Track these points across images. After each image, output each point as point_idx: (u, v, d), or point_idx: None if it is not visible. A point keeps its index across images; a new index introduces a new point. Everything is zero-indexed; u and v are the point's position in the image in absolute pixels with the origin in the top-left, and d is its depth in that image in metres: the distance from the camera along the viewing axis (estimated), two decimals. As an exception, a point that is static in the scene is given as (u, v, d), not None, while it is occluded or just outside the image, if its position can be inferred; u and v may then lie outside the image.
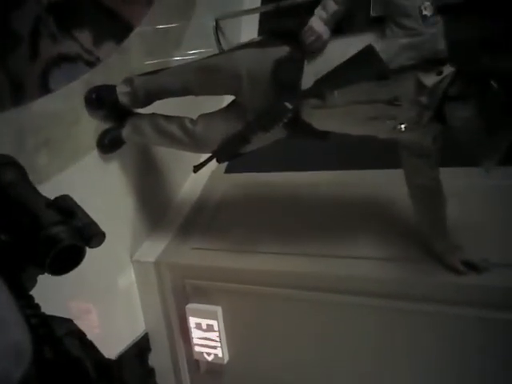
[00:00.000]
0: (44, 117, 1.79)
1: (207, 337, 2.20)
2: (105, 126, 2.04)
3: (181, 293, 2.25)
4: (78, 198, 0.71)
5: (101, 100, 1.97)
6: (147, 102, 1.97)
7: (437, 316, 1.74)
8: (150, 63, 2.28)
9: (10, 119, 1.65)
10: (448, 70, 1.41)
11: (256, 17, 3.06)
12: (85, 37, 1.93)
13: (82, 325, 0.66)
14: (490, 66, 1.38)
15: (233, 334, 2.18)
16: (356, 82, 1.44)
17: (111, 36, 2.07)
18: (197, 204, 2.52)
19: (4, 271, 0.54)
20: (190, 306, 2.21)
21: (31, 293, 0.63)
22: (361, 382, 1.96)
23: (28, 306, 0.58)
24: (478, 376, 1.72)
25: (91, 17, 1.97)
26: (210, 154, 1.79)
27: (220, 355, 2.19)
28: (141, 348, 2.35)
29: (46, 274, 0.64)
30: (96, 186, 1.97)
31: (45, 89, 1.79)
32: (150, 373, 2.43)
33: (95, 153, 2.03)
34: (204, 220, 2.39)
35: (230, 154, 1.79)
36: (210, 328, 2.17)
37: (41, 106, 1.77)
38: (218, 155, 1.78)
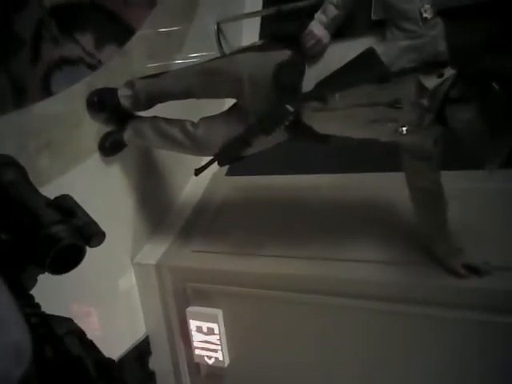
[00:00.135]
0: (46, 119, 1.79)
1: (208, 340, 2.19)
2: (106, 128, 2.05)
3: (181, 296, 2.25)
4: (80, 201, 0.72)
5: (102, 103, 1.97)
6: (149, 105, 1.98)
7: (437, 319, 1.73)
8: (152, 66, 2.28)
9: (12, 122, 1.66)
10: (449, 72, 1.41)
11: (257, 20, 3.07)
12: (87, 40, 1.94)
13: (82, 327, 0.66)
14: (491, 68, 1.39)
15: (233, 337, 2.17)
16: (357, 84, 1.44)
17: (113, 39, 2.08)
18: (198, 207, 2.52)
19: (4, 270, 0.54)
20: (190, 309, 2.21)
21: (31, 292, 0.63)
22: (361, 385, 1.95)
23: (28, 305, 0.58)
24: (479, 379, 1.71)
25: (93, 20, 1.98)
26: (211, 157, 1.79)
27: (221, 358, 2.19)
28: (141, 351, 2.35)
29: (46, 273, 0.64)
30: (97, 188, 1.97)
31: (47, 91, 1.79)
32: (150, 376, 2.42)
33: (97, 155, 2.03)
34: (205, 223, 2.39)
35: (232, 157, 1.79)
36: (210, 331, 2.17)
37: (42, 108, 1.77)
38: (220, 158, 1.78)
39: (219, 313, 2.15)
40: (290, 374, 2.08)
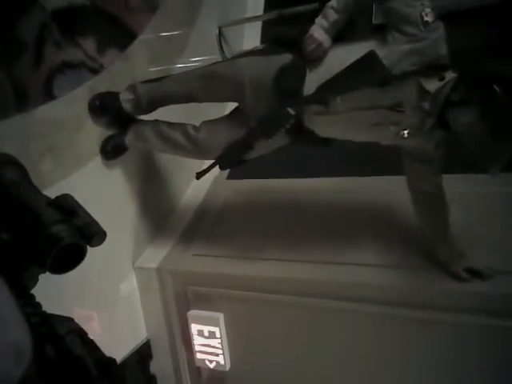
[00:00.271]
0: (48, 123, 1.80)
1: (209, 344, 2.19)
2: (108, 132, 2.05)
3: (183, 299, 2.24)
4: (81, 203, 0.71)
5: (104, 107, 1.98)
6: (150, 108, 1.98)
7: (439, 323, 1.73)
8: (154, 70, 2.29)
9: (15, 125, 1.66)
10: (450, 75, 1.42)
11: (258, 24, 3.09)
12: (89, 44, 1.95)
13: (83, 330, 0.65)
14: (492, 71, 1.39)
15: (235, 341, 2.17)
16: (358, 87, 1.45)
17: (115, 43, 2.09)
18: (199, 210, 2.52)
19: (5, 270, 0.54)
20: (191, 313, 2.21)
21: (32, 292, 0.63)
22: (363, 389, 1.95)
23: (29, 305, 0.58)
24: (480, 384, 1.71)
25: (95, 24, 1.99)
26: (212, 161, 1.80)
27: (222, 362, 2.19)
28: (142, 355, 2.34)
29: (47, 275, 0.64)
30: (99, 192, 1.98)
31: (49, 95, 1.80)
32: (151, 380, 2.42)
33: (98, 159, 2.04)
34: (206, 226, 2.39)
35: (233, 160, 1.79)
36: (211, 335, 2.16)
37: (45, 112, 1.78)
38: (221, 162, 1.79)
39: (220, 316, 2.14)
40: (291, 378, 2.07)
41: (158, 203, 2.43)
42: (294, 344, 2.04)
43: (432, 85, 1.42)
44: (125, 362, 2.19)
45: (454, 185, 1.73)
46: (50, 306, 0.65)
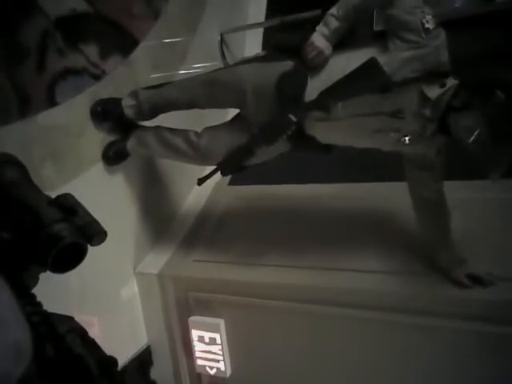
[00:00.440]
0: (50, 129, 1.81)
1: (210, 350, 2.18)
2: (110, 138, 2.06)
3: (184, 305, 2.24)
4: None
5: (106, 113, 1.98)
6: (152, 115, 1.99)
7: (440, 330, 1.72)
8: (156, 77, 2.30)
9: (17, 131, 1.67)
10: (451, 82, 1.42)
11: (260, 31, 3.10)
12: (91, 50, 1.96)
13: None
14: (494, 77, 1.39)
15: (235, 347, 2.16)
16: (359, 94, 1.45)
17: (117, 50, 2.10)
18: (200, 216, 2.52)
19: (6, 269, 0.54)
20: (192, 319, 2.20)
21: (33, 292, 0.63)
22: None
23: (29, 304, 0.58)
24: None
25: (97, 31, 2.00)
26: (214, 167, 1.80)
27: (222, 369, 2.18)
28: (143, 361, 2.34)
29: (47, 278, 0.64)
30: (100, 197, 1.98)
31: (51, 101, 1.81)
32: (151, 386, 2.41)
33: (100, 165, 2.04)
34: (207, 232, 2.39)
35: (234, 166, 1.79)
36: (212, 341, 2.16)
37: (47, 118, 1.79)
38: (223, 168, 1.79)
39: (221, 322, 2.14)
40: (292, 385, 2.07)
41: (159, 209, 2.44)
42: (295, 350, 2.03)
43: (433, 91, 1.42)
44: (125, 367, 2.18)
45: (455, 191, 1.73)
46: (50, 310, 0.65)
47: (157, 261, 2.31)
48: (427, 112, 1.45)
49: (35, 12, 1.73)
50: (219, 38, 2.84)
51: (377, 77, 1.43)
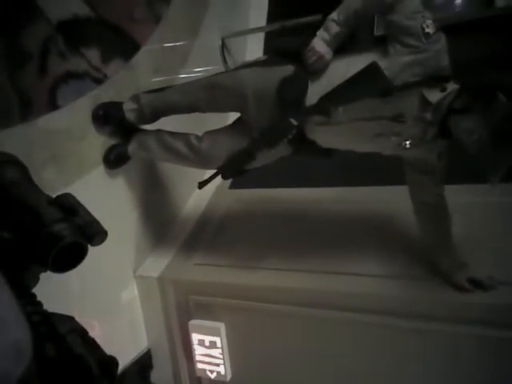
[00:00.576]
0: (51, 132, 1.81)
1: (210, 354, 2.18)
2: (111, 141, 2.06)
3: (184, 309, 2.24)
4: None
5: (108, 116, 1.99)
6: (153, 118, 1.99)
7: (440, 334, 1.72)
8: (157, 80, 2.31)
9: (18, 134, 1.67)
10: (452, 86, 1.42)
11: (261, 35, 3.12)
12: (93, 54, 1.97)
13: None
14: (495, 81, 1.39)
15: (236, 351, 2.16)
16: (360, 98, 1.46)
17: (119, 53, 2.11)
18: (201, 219, 2.52)
19: (6, 269, 0.54)
20: (192, 322, 2.20)
21: (33, 292, 0.63)
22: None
23: (29, 304, 0.58)
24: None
25: (99, 35, 2.01)
26: (215, 171, 1.80)
27: (223, 373, 2.17)
28: (143, 364, 2.33)
29: (48, 271, 0.64)
30: (101, 200, 1.97)
31: (53, 105, 1.81)
32: (151, 390, 2.40)
33: (101, 168, 2.05)
34: (208, 236, 2.39)
35: (235, 170, 1.80)
36: (212, 345, 2.15)
37: (48, 121, 1.79)
38: (223, 171, 1.79)
39: (222, 326, 2.14)
40: (293, 389, 2.06)
41: (160, 212, 2.44)
42: (296, 354, 2.03)
43: (434, 96, 1.43)
44: (125, 371, 2.18)
45: (456, 195, 1.73)
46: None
47: (157, 264, 2.31)
48: (428, 116, 1.45)
49: (37, 16, 1.74)
50: (220, 42, 2.85)
51: (378, 81, 1.43)
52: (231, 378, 2.19)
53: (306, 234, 2.15)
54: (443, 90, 1.42)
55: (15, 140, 1.67)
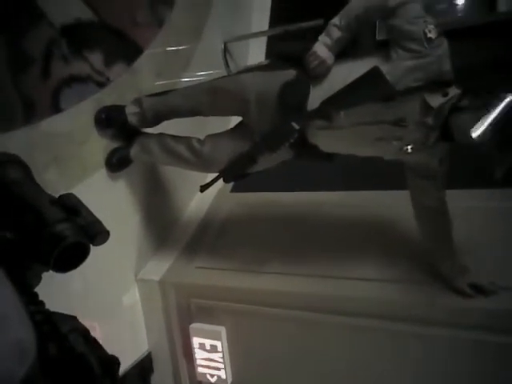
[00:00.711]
0: (54, 135, 1.82)
1: (211, 358, 2.17)
2: (113, 144, 2.07)
3: (185, 312, 2.24)
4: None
5: (110, 120, 2.00)
6: (156, 122, 2.00)
7: (441, 339, 1.71)
8: (160, 84, 2.32)
9: (21, 137, 1.68)
10: (454, 91, 1.42)
11: (263, 40, 3.13)
12: (96, 58, 1.98)
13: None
14: (496, 87, 1.39)
15: (236, 355, 2.15)
16: (362, 103, 1.46)
17: (122, 57, 2.12)
18: (203, 223, 2.52)
19: (9, 268, 0.54)
20: (193, 326, 2.20)
21: (35, 291, 0.63)
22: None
23: (32, 303, 0.58)
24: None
25: (102, 39, 2.02)
26: (216, 174, 1.81)
27: (223, 377, 2.17)
28: (143, 368, 2.33)
29: (50, 271, 0.64)
30: (103, 203, 1.97)
31: (56, 108, 1.82)
32: (152, 394, 2.40)
33: (103, 171, 2.05)
34: (209, 239, 2.39)
35: (237, 173, 1.80)
36: (213, 349, 2.15)
37: (51, 124, 1.80)
38: (225, 175, 1.80)
39: (222, 330, 2.13)
40: (294, 394, 2.05)
41: (161, 215, 2.44)
42: (297, 359, 2.02)
43: (435, 100, 1.43)
44: (126, 374, 2.17)
45: (457, 200, 1.73)
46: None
47: (158, 267, 2.32)
48: (429, 121, 1.45)
49: (40, 20, 1.75)
50: (223, 46, 2.86)
51: (379, 86, 1.43)
52: (232, 383, 2.19)
53: (307, 237, 2.15)
54: (445, 94, 1.43)
55: (18, 142, 1.67)
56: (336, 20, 1.52)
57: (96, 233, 0.67)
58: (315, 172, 2.19)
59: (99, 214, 0.77)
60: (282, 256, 2.10)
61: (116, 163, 2.07)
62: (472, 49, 2.13)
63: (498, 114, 1.30)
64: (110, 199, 2.08)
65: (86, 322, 0.65)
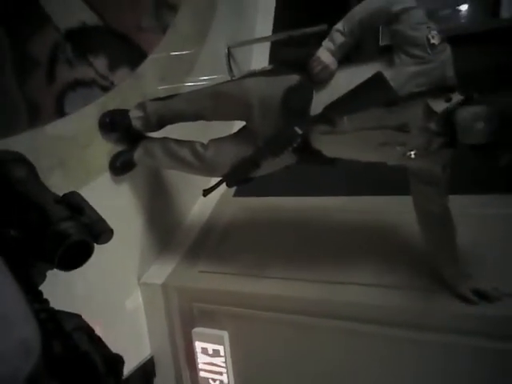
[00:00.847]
0: (59, 139, 1.83)
1: (213, 362, 2.17)
2: (117, 148, 2.08)
3: (188, 316, 2.23)
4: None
5: (114, 124, 2.01)
6: (159, 126, 2.01)
7: (439, 345, 1.70)
8: (163, 88, 2.33)
9: (26, 140, 1.69)
10: (457, 97, 1.42)
11: (267, 45, 3.14)
12: (100, 62, 1.99)
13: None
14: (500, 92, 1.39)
15: (239, 360, 2.15)
16: (365, 108, 1.46)
17: (126, 62, 2.13)
18: (205, 227, 2.53)
19: (13, 266, 0.54)
20: (196, 330, 2.19)
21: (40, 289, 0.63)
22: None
23: (37, 301, 0.59)
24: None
25: (107, 44, 2.03)
26: (219, 178, 1.81)
27: (226, 381, 2.16)
28: (146, 372, 2.32)
29: (55, 269, 0.64)
30: (107, 207, 1.98)
31: (60, 112, 1.83)
32: (154, 398, 2.39)
33: (107, 175, 2.06)
34: (212, 243, 2.39)
35: (240, 178, 1.80)
36: (216, 353, 2.15)
37: (56, 128, 1.81)
38: (228, 179, 1.80)
39: (225, 335, 2.13)
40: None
41: (164, 219, 2.45)
42: (299, 364, 2.01)
43: (439, 106, 1.43)
44: (128, 378, 2.17)
45: (461, 205, 1.73)
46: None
47: (161, 271, 2.32)
48: (433, 126, 1.45)
49: (46, 24, 1.76)
50: (226, 51, 2.87)
51: (383, 91, 1.43)
52: (234, 387, 2.18)
53: (309, 242, 2.15)
54: (448, 100, 1.43)
55: (22, 146, 1.67)
56: (339, 25, 1.53)
57: (100, 231, 0.67)
58: (318, 177, 2.19)
59: (102, 216, 0.77)
60: (285, 261, 2.09)
61: (120, 167, 2.07)
62: (475, 55, 2.13)
63: None
64: (113, 202, 2.08)
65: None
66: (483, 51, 2.28)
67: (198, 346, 2.18)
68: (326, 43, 1.54)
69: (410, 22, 1.43)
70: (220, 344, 2.13)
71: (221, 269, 2.21)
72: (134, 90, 2.15)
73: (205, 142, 1.89)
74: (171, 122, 2.00)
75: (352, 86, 1.47)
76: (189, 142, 1.93)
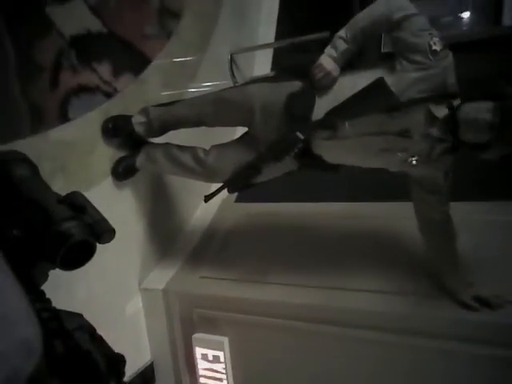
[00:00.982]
0: (62, 144, 1.84)
1: (213, 368, 2.16)
2: (120, 154, 2.09)
3: (188, 322, 2.23)
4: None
5: (117, 129, 2.02)
6: (162, 132, 2.02)
7: (440, 352, 1.69)
8: (166, 94, 2.34)
9: (29, 146, 1.69)
10: (458, 104, 1.43)
11: (269, 51, 3.15)
12: (104, 68, 2.01)
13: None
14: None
15: (239, 366, 2.14)
16: (367, 113, 1.47)
17: (129, 68, 2.15)
18: (207, 233, 2.53)
19: (16, 266, 0.54)
20: (196, 336, 2.19)
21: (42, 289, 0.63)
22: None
23: (39, 300, 0.59)
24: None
25: (111, 50, 2.05)
26: (221, 184, 1.81)
27: (225, 387, 2.15)
28: (146, 377, 2.32)
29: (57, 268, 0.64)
30: (109, 211, 1.98)
31: (64, 117, 1.84)
32: (154, 404, 2.38)
33: (109, 180, 2.07)
34: (213, 249, 2.39)
35: (241, 184, 1.81)
36: (216, 359, 2.14)
37: (59, 133, 1.82)
38: (229, 185, 1.80)
39: (225, 340, 2.12)
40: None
41: (166, 225, 2.45)
42: (300, 370, 2.01)
43: (441, 111, 1.43)
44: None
45: (463, 212, 1.72)
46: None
47: (162, 276, 2.31)
48: (435, 131, 1.46)
49: (50, 30, 1.78)
50: (229, 57, 2.89)
51: (384, 97, 1.44)
52: (234, 394, 2.17)
53: (311, 248, 2.15)
54: (450, 107, 1.43)
55: (26, 151, 1.68)
56: (342, 32, 1.53)
57: (102, 231, 0.68)
58: (319, 183, 2.19)
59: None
60: (286, 267, 2.09)
61: (122, 172, 2.08)
62: (477, 62, 2.14)
63: None
64: (115, 208, 2.08)
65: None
66: (485, 58, 2.28)
67: (198, 351, 2.18)
68: (329, 50, 1.55)
69: (411, 29, 1.44)
70: (220, 350, 2.12)
71: (222, 275, 2.20)
72: (137, 95, 2.16)
73: (207, 147, 1.90)
74: (174, 128, 2.00)
75: (354, 91, 1.47)
76: (191, 147, 1.94)
